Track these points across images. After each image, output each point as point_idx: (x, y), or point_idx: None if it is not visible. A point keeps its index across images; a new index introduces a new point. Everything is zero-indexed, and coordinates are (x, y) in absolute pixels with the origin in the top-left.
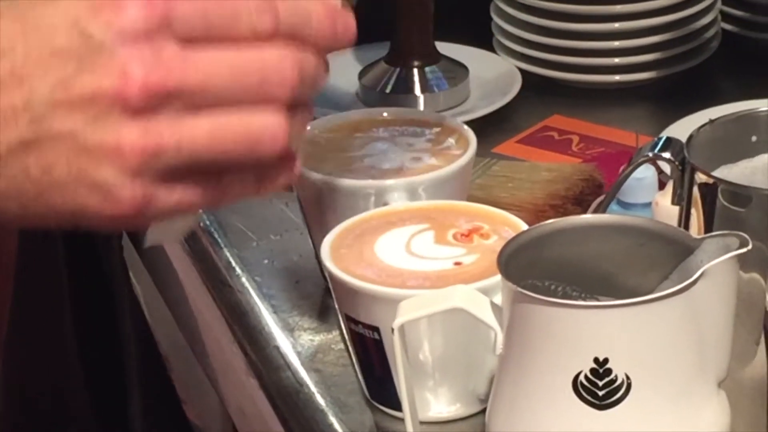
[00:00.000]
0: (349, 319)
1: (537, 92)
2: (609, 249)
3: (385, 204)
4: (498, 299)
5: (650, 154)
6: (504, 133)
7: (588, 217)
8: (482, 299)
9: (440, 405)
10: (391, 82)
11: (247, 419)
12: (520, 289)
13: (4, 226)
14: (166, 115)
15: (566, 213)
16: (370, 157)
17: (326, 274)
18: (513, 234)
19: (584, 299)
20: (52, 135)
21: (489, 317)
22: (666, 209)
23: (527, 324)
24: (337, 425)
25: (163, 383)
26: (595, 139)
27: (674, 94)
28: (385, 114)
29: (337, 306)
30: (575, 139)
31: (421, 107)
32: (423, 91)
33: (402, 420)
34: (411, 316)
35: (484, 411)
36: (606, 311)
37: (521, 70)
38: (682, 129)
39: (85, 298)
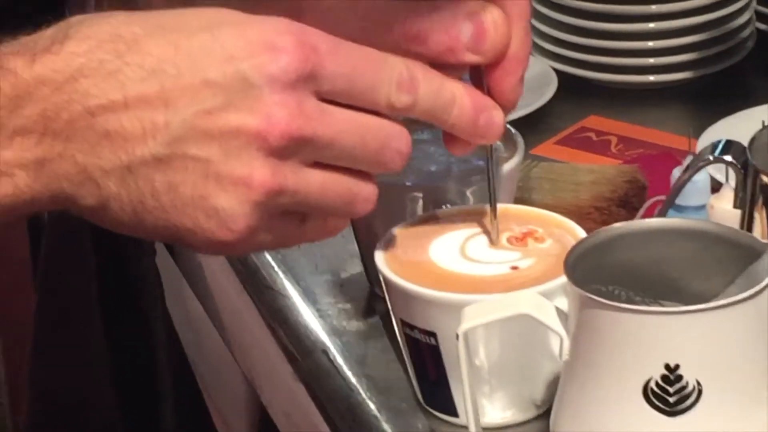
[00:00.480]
0: (405, 324)
1: (572, 93)
2: (673, 253)
3: (435, 207)
4: (558, 304)
5: (711, 157)
6: (541, 134)
7: (652, 221)
8: (547, 305)
9: (495, 411)
10: None
11: (293, 424)
12: (589, 295)
13: (108, 227)
14: (294, 160)
15: (611, 215)
16: (415, 159)
17: (381, 280)
18: (567, 237)
19: (647, 304)
20: (185, 157)
21: (555, 323)
22: (722, 212)
23: (596, 330)
24: (389, 430)
25: (193, 391)
26: (634, 140)
27: (710, 94)
28: None
29: (391, 311)
30: (614, 140)
31: None
32: None
33: (457, 426)
34: (476, 322)
35: (538, 417)
36: (677, 317)
37: (556, 71)
38: (723, 130)
39: (115, 304)
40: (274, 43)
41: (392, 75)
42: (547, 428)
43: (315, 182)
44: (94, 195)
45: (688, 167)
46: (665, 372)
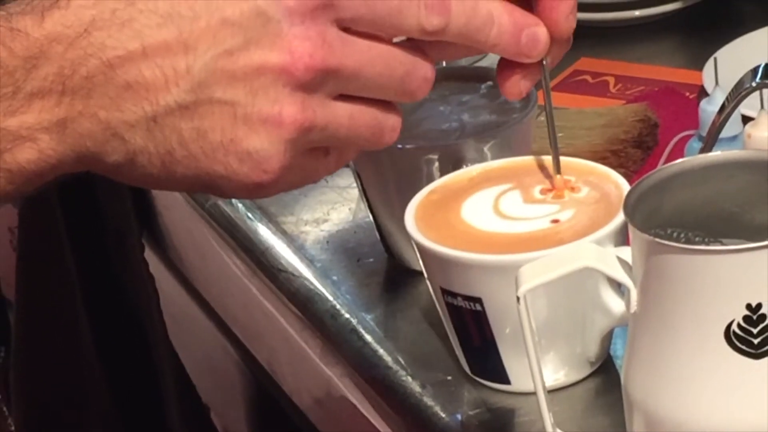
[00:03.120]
0: (445, 292)
1: None
2: (732, 187)
3: (455, 168)
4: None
5: (754, 84)
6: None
7: (710, 156)
8: (609, 255)
9: (546, 373)
10: None
11: (327, 410)
12: (659, 240)
13: (137, 184)
14: (321, 93)
15: (627, 157)
16: (426, 119)
17: (415, 248)
18: (605, 184)
19: (709, 244)
20: (211, 102)
21: (620, 274)
22: (760, 140)
23: (667, 276)
24: (437, 406)
25: (192, 395)
26: (632, 78)
27: (700, 24)
28: None
29: (428, 279)
30: (611, 80)
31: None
32: None
33: (509, 393)
34: (537, 281)
35: (592, 374)
36: (756, 254)
37: None
38: (727, 58)
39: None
40: None
41: None
42: (603, 385)
43: (343, 115)
44: (120, 151)
45: (728, 98)
46: (747, 312)
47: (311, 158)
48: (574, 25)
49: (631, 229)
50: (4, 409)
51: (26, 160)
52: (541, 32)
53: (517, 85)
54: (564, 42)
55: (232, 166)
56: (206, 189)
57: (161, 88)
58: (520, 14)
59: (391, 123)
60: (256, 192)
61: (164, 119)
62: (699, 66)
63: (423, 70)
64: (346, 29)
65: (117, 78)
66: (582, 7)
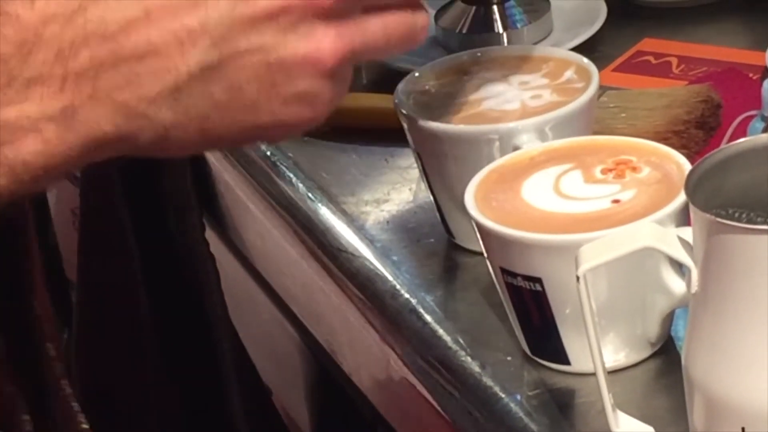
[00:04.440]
0: (505, 272)
1: (622, 17)
2: None
3: (515, 148)
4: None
5: None
6: (597, 63)
7: None
8: (670, 234)
9: (606, 354)
10: (469, 21)
11: (387, 389)
12: (721, 220)
13: (177, 155)
14: (351, 17)
15: (690, 138)
16: (486, 100)
17: (475, 228)
18: (666, 164)
19: None
20: (238, 54)
21: (681, 254)
22: None
23: (729, 256)
24: (497, 386)
25: (253, 375)
26: (695, 59)
27: (765, 4)
28: (490, 53)
29: (488, 259)
30: (674, 61)
31: (505, 46)
32: (505, 28)
33: (569, 374)
34: (597, 261)
35: (653, 356)
36: None
37: None
38: None
39: (166, 290)
40: None
41: None
42: (663, 366)
43: (377, 29)
44: (149, 128)
45: None
46: None
47: (347, 74)
48: None
49: (692, 208)
50: (74, 404)
51: (31, 153)
52: None
53: None
54: None
55: (278, 113)
56: (253, 140)
57: (177, 52)
58: None
59: (422, 21)
60: (306, 128)
61: (189, 86)
62: (763, 47)
63: None
64: None
65: (124, 52)
66: None
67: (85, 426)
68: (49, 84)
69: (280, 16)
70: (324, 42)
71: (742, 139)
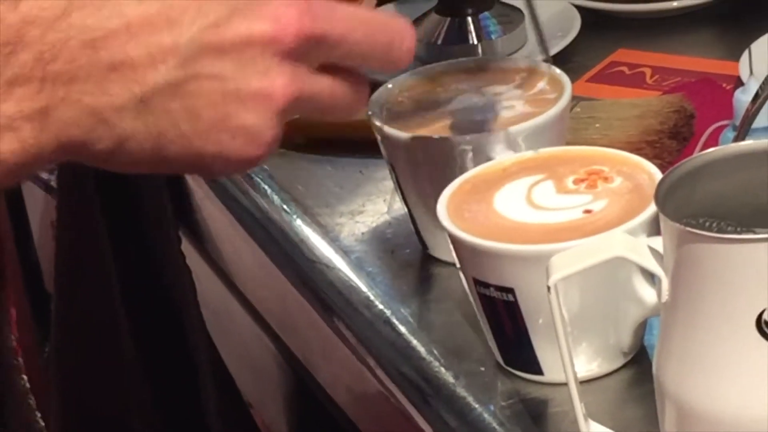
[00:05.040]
0: (478, 283)
1: (596, 28)
2: (764, 177)
3: (488, 159)
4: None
5: None
6: (571, 74)
7: (743, 145)
8: (641, 245)
9: (579, 363)
10: (444, 32)
11: (360, 399)
12: (690, 230)
13: (126, 170)
14: (307, 63)
15: (663, 148)
16: (460, 111)
17: (448, 239)
18: (638, 174)
19: (739, 233)
20: (200, 78)
21: (652, 263)
22: None
23: (699, 266)
24: (470, 396)
25: (231, 388)
26: (669, 69)
27: (738, 14)
28: (464, 64)
29: (461, 270)
30: (648, 71)
31: (479, 56)
32: (479, 39)
33: (542, 384)
34: (568, 271)
35: (625, 365)
36: None
37: (577, 7)
38: (764, 49)
39: (142, 302)
40: None
41: None
42: (636, 376)
43: (325, 86)
44: (108, 137)
45: (762, 87)
46: None
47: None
48: None
49: (662, 218)
50: (31, 401)
51: (8, 151)
52: None
53: None
54: None
55: (224, 144)
56: (197, 169)
57: (148, 66)
58: None
59: (364, 95)
60: (245, 167)
61: (153, 100)
62: (736, 57)
63: (406, 39)
64: None
65: (101, 60)
66: None
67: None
68: (28, 85)
69: (243, 48)
70: (278, 80)
71: (712, 149)
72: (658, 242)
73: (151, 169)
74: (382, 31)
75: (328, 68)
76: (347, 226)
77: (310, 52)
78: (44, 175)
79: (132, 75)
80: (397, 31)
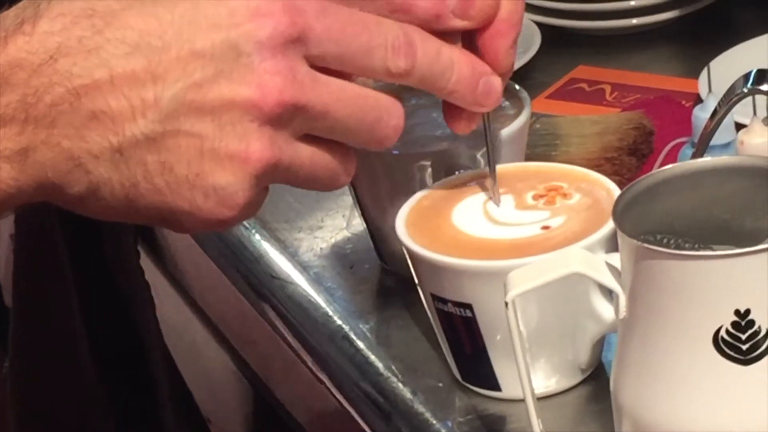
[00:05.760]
0: (436, 299)
1: (556, 45)
2: (723, 193)
3: (447, 174)
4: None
5: (746, 89)
6: (530, 90)
7: (701, 162)
8: (598, 261)
9: (538, 380)
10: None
11: (317, 416)
12: (648, 246)
13: (97, 216)
14: (287, 131)
15: (622, 164)
16: (419, 126)
17: (406, 254)
18: (596, 190)
19: (699, 250)
20: (178, 134)
21: (609, 279)
22: (753, 147)
23: (656, 282)
24: (428, 412)
25: (188, 401)
26: (628, 86)
27: (698, 33)
28: None
29: (419, 285)
30: (607, 88)
31: None
32: None
33: (499, 400)
34: (526, 287)
35: (584, 381)
36: (745, 259)
37: (537, 24)
38: (723, 66)
39: (101, 315)
40: (258, 9)
41: (387, 38)
42: (594, 392)
43: (306, 156)
44: (82, 182)
45: (720, 104)
46: (736, 318)
47: (265, 192)
48: (513, 59)
49: (619, 234)
50: None
51: None
52: (496, 82)
53: (466, 124)
54: (504, 75)
55: (196, 202)
56: (166, 224)
57: (128, 118)
58: (477, 62)
59: (348, 168)
60: (216, 227)
61: (130, 151)
62: (695, 74)
63: (394, 118)
64: (318, 68)
65: (83, 107)
66: (579, 16)
67: None
68: (10, 126)
69: (224, 110)
70: (254, 144)
71: (669, 166)
72: (615, 258)
73: (122, 218)
74: (371, 106)
75: (312, 139)
76: (306, 241)
77: (292, 120)
78: None
79: (111, 125)
80: (386, 109)
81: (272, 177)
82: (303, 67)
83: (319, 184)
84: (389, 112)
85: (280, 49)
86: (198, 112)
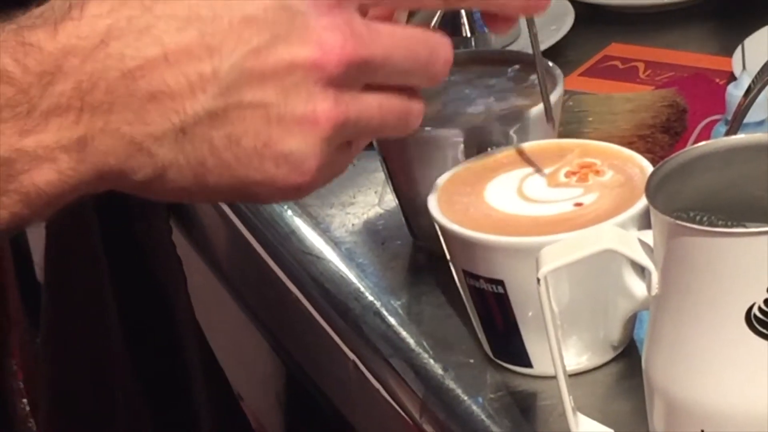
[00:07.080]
0: (468, 275)
1: (590, 22)
2: (756, 171)
3: (480, 151)
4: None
5: None
6: (563, 67)
7: (734, 139)
8: (631, 237)
9: (569, 357)
10: (436, 25)
11: (350, 393)
12: (681, 223)
13: (167, 198)
14: (351, 86)
15: (655, 142)
16: (451, 102)
17: (438, 230)
18: (629, 167)
19: (730, 227)
20: (241, 106)
21: (642, 256)
22: None
23: (689, 259)
24: (459, 389)
25: (220, 378)
26: (662, 64)
27: (731, 9)
28: (456, 57)
29: (451, 262)
30: (641, 66)
31: (472, 48)
32: (472, 32)
33: (531, 377)
34: (558, 263)
35: (615, 359)
36: None
37: (571, 2)
38: (756, 44)
39: (133, 293)
40: None
41: None
42: (625, 370)
43: (373, 106)
44: (148, 166)
45: (753, 81)
46: None
47: (340, 152)
48: None
49: (652, 211)
50: (21, 386)
51: (45, 182)
52: None
53: (504, 23)
54: None
55: (268, 171)
56: (242, 197)
57: (187, 95)
58: None
59: (416, 108)
60: (293, 194)
61: (193, 129)
62: (729, 52)
63: (444, 52)
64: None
65: (139, 89)
66: None
67: None
68: (66, 115)
69: (286, 75)
70: (322, 106)
71: (702, 143)
72: (648, 236)
73: (195, 197)
74: (424, 46)
75: (373, 87)
76: (338, 217)
77: (355, 75)
78: None
79: (171, 104)
80: (437, 44)
81: (344, 135)
82: (357, 18)
83: (392, 129)
84: (439, 48)
85: (335, 5)
86: (259, 80)
